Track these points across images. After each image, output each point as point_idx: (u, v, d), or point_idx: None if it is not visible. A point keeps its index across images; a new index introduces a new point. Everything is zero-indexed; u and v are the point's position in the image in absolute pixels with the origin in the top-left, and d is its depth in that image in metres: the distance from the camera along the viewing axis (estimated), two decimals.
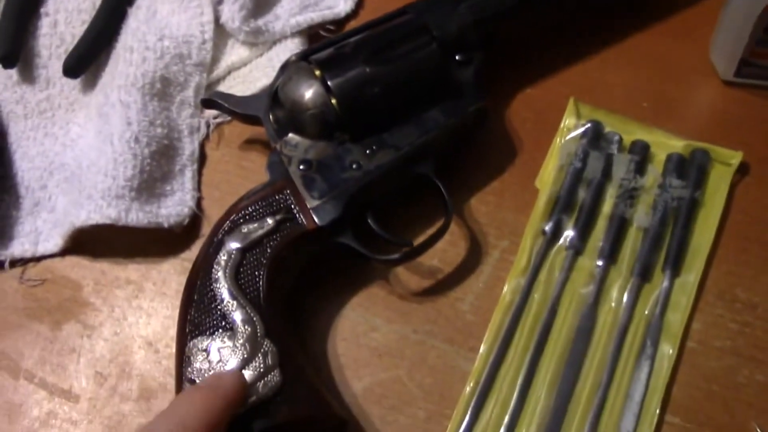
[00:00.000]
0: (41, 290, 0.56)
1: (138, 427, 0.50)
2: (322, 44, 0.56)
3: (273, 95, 0.55)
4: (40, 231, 0.57)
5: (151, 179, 0.56)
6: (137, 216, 0.54)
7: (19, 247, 0.57)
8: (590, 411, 0.49)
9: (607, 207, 0.56)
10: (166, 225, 0.55)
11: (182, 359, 0.47)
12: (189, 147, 0.59)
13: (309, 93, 0.52)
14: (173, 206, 0.56)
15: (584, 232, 0.55)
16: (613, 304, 0.53)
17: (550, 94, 0.61)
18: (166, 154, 0.58)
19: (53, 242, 0.57)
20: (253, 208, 0.51)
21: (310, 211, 0.51)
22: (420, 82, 0.54)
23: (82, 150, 0.58)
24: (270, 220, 0.50)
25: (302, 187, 0.51)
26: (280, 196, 0.51)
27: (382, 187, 0.53)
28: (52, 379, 0.53)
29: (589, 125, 0.58)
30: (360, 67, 0.53)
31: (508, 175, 0.58)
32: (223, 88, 0.62)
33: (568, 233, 0.55)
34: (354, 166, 0.52)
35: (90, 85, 0.61)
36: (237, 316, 0.47)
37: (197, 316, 0.47)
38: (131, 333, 0.54)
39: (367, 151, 0.52)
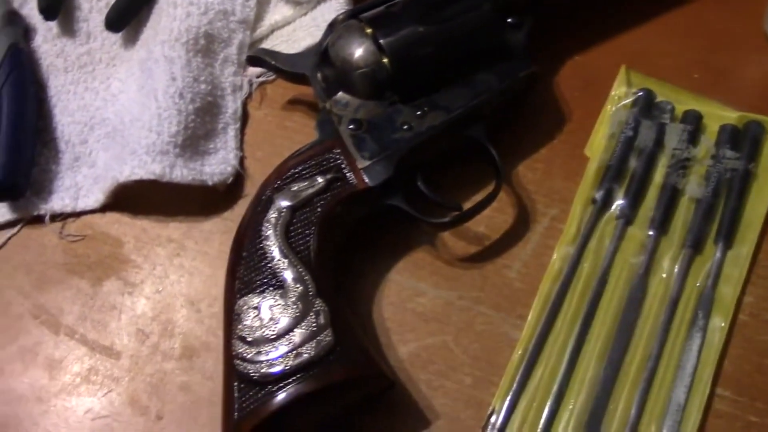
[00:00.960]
0: (81, 246, 0.56)
1: None
2: (370, 3, 0.55)
3: (321, 53, 0.54)
4: (80, 186, 0.56)
5: (195, 136, 0.55)
6: (182, 172, 0.53)
7: (59, 202, 0.56)
8: (640, 382, 0.49)
9: (658, 177, 0.54)
10: (210, 183, 0.54)
11: (231, 316, 0.46)
12: (232, 105, 0.58)
13: (360, 51, 0.51)
14: (216, 164, 0.55)
15: (635, 201, 0.54)
16: (664, 275, 0.52)
17: (600, 61, 0.60)
18: (210, 112, 0.57)
19: (94, 198, 0.56)
20: (302, 166, 0.50)
21: (361, 171, 0.50)
22: (472, 43, 0.53)
23: (123, 105, 0.57)
24: (320, 179, 0.49)
25: (353, 147, 0.50)
26: (330, 155, 0.50)
27: (432, 149, 0.52)
28: (93, 335, 0.53)
29: (640, 93, 0.56)
30: (412, 26, 0.52)
31: (558, 142, 0.57)
32: (267, 46, 0.61)
33: (619, 202, 0.54)
34: (405, 127, 0.51)
35: (131, 40, 0.60)
36: (288, 275, 0.46)
37: (246, 273, 0.47)
38: (173, 291, 0.54)
39: (418, 113, 0.51)
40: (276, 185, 0.49)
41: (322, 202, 0.49)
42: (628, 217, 0.53)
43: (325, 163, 0.50)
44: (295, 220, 0.48)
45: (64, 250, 0.55)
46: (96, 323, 0.53)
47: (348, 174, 0.49)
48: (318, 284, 0.46)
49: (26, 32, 0.60)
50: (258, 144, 0.58)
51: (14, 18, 0.59)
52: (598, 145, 0.56)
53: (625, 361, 0.50)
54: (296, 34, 0.61)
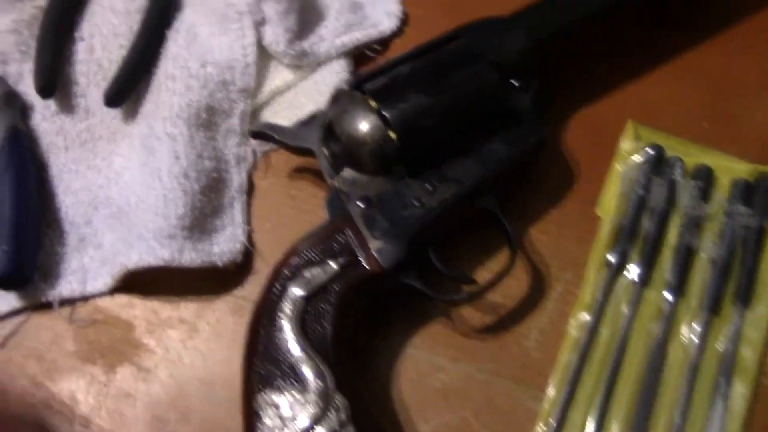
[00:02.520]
0: (92, 331, 0.55)
1: None
2: (373, 72, 0.54)
3: (326, 127, 0.53)
4: (87, 269, 0.55)
5: (202, 215, 0.54)
6: (191, 256, 0.53)
7: (67, 287, 0.55)
8: None
9: (672, 236, 0.54)
10: (219, 263, 0.54)
11: (250, 412, 0.45)
12: (237, 178, 0.57)
13: (365, 126, 0.51)
14: (225, 242, 0.55)
15: (650, 263, 0.53)
16: (683, 340, 0.51)
17: (607, 113, 0.59)
18: (215, 188, 0.56)
19: (102, 281, 0.55)
20: (314, 251, 0.49)
21: (374, 252, 0.49)
22: (479, 110, 0.52)
23: (127, 184, 0.56)
24: (333, 264, 0.48)
25: (363, 226, 0.50)
26: (341, 236, 0.49)
27: (444, 223, 0.51)
28: (108, 425, 0.52)
29: (650, 150, 0.56)
30: (417, 97, 0.51)
31: (568, 202, 0.57)
32: (269, 113, 0.60)
33: (633, 265, 0.53)
34: (416, 203, 0.50)
35: (131, 114, 0.59)
36: (306, 369, 0.45)
37: (263, 367, 0.46)
38: (188, 375, 0.53)
39: (428, 187, 0.51)
40: (289, 273, 0.48)
41: (336, 288, 0.48)
42: (643, 280, 0.53)
43: (336, 245, 0.49)
44: (309, 309, 0.47)
45: (74, 336, 0.55)
46: (112, 412, 0.52)
47: (360, 257, 0.49)
48: (337, 377, 0.45)
49: (23, 110, 0.59)
50: (266, 215, 0.58)
51: (12, 99, 0.58)
52: (609, 204, 0.55)
53: (648, 429, 0.49)
54: (298, 99, 0.60)
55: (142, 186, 0.55)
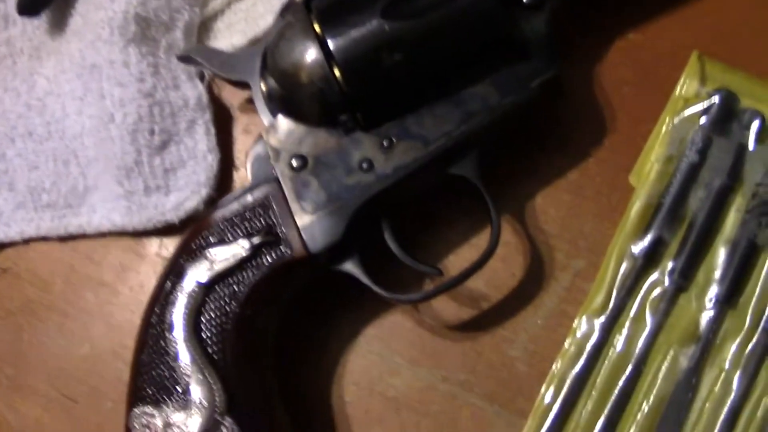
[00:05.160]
0: (3, 284, 0.47)
1: None
2: None
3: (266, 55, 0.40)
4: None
5: (150, 154, 0.44)
6: (145, 216, 0.44)
7: None
8: None
9: (730, 225, 0.39)
10: (176, 221, 0.44)
11: (126, 428, 0.36)
12: (193, 93, 0.46)
13: (302, 60, 0.37)
14: (185, 186, 0.44)
15: (693, 258, 0.39)
16: (724, 371, 0.37)
17: (661, 41, 0.43)
18: (163, 113, 0.44)
19: (16, 228, 0.46)
20: (224, 224, 0.38)
21: (300, 230, 0.37)
22: (465, 41, 0.38)
23: (54, 116, 0.46)
24: (244, 244, 0.37)
25: (291, 195, 0.38)
26: (261, 207, 0.38)
27: (403, 194, 0.39)
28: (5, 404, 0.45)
29: (716, 97, 0.40)
30: (375, 22, 0.37)
31: (592, 165, 0.42)
32: (222, 26, 0.47)
33: (669, 261, 0.39)
34: (364, 165, 0.38)
35: (58, 26, 0.48)
36: (192, 381, 0.35)
37: (146, 372, 0.36)
38: (104, 347, 0.44)
39: (384, 143, 0.38)
40: (191, 252, 0.38)
41: (244, 277, 0.37)
42: (680, 282, 0.39)
43: (253, 218, 0.38)
44: (209, 302, 0.37)
45: None
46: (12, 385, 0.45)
47: (282, 235, 0.37)
48: (231, 395, 0.35)
49: None
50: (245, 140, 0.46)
51: None
52: (649, 171, 0.40)
53: None
54: (256, 10, 0.46)
55: (71, 120, 0.45)
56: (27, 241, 0.47)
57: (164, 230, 0.45)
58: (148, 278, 0.45)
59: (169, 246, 0.45)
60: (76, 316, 0.45)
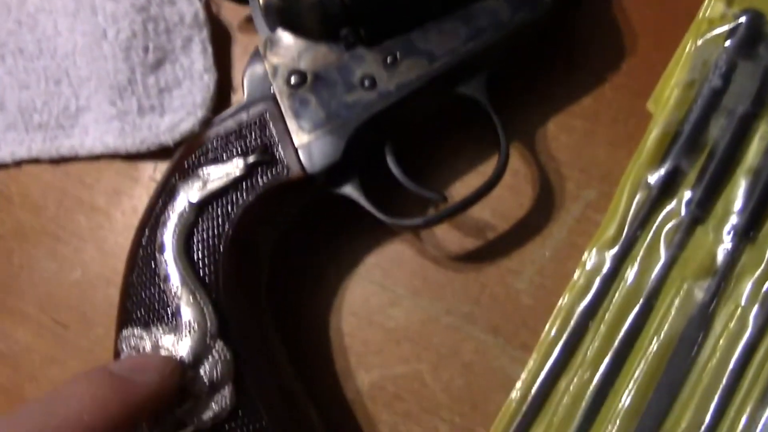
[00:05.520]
0: None
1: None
2: None
3: None
4: None
5: (144, 74, 0.42)
6: (139, 138, 0.42)
7: None
8: None
9: (753, 154, 0.37)
10: (171, 143, 0.42)
11: (115, 350, 0.35)
12: (189, 9, 0.43)
13: None
14: (180, 108, 0.42)
15: (712, 190, 0.37)
16: (740, 307, 0.36)
17: None
18: (158, 29, 0.42)
19: (7, 150, 0.45)
20: (218, 141, 0.36)
21: (297, 150, 0.35)
22: None
23: (45, 34, 0.44)
24: (239, 163, 0.35)
25: (289, 113, 0.36)
26: (257, 125, 0.36)
27: (406, 114, 0.37)
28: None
29: (743, 18, 0.37)
30: None
31: (609, 89, 0.40)
32: None
33: (687, 191, 0.37)
34: (366, 83, 0.35)
35: None
36: (183, 304, 0.34)
37: (136, 294, 0.35)
38: (96, 273, 0.43)
39: (387, 60, 0.35)
40: (184, 170, 0.36)
41: (239, 198, 0.35)
42: (698, 212, 0.37)
43: (248, 137, 0.36)
44: (200, 222, 0.35)
45: None
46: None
47: (278, 155, 0.35)
48: (222, 319, 0.34)
49: None
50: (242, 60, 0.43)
51: None
52: (668, 97, 0.38)
53: (663, 428, 0.35)
54: None
55: (63, 39, 0.43)
56: (18, 164, 0.45)
57: (158, 153, 0.43)
58: (141, 203, 0.43)
59: (163, 170, 0.43)
60: (68, 241, 0.44)
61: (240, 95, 0.42)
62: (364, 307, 0.40)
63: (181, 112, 0.42)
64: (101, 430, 0.29)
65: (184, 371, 0.33)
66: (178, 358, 0.33)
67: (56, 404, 0.29)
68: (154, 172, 0.44)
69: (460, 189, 0.40)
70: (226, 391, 0.33)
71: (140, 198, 0.43)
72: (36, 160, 0.45)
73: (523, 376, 0.37)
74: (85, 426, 0.29)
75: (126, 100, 0.42)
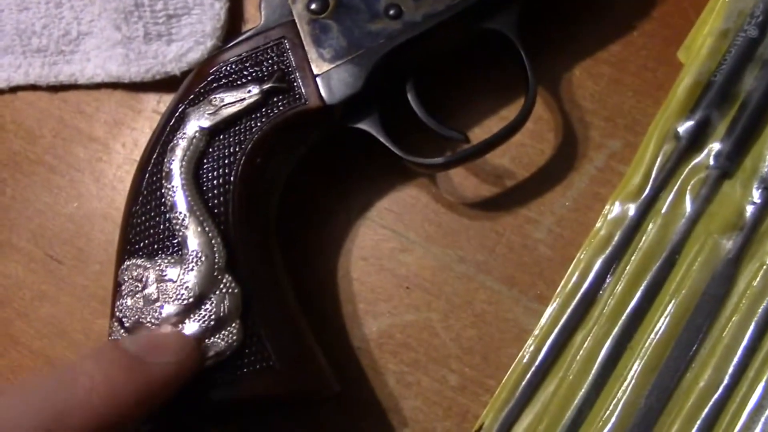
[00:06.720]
0: None
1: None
2: None
3: None
4: None
5: (155, 7, 0.40)
6: (144, 66, 0.40)
7: None
8: (698, 420, 0.33)
9: None
10: (177, 72, 0.40)
11: (114, 283, 0.33)
12: None
13: None
14: (189, 36, 0.40)
15: (742, 142, 0.35)
16: (766, 264, 0.35)
17: None
18: None
19: (3, 75, 0.43)
20: (232, 66, 0.34)
21: (316, 79, 0.33)
22: None
23: None
24: (254, 89, 0.33)
25: (309, 40, 0.34)
26: (274, 52, 0.34)
27: (431, 48, 0.35)
28: None
29: None
30: None
31: (638, 36, 0.38)
32: None
33: (716, 143, 0.36)
34: (391, 11, 0.34)
35: None
36: (190, 234, 0.32)
37: (139, 224, 0.33)
38: (92, 207, 0.41)
39: None
40: (193, 94, 0.34)
41: (252, 125, 0.33)
42: (727, 166, 0.35)
43: (265, 63, 0.34)
44: (211, 150, 0.33)
45: None
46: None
47: (296, 83, 0.34)
48: (231, 252, 0.32)
49: None
50: None
51: None
52: (701, 46, 0.37)
53: (680, 386, 0.34)
54: None
55: None
56: (14, 90, 0.43)
57: (163, 84, 0.41)
58: (143, 135, 0.41)
59: (168, 101, 0.41)
60: (64, 172, 0.42)
61: (252, 26, 0.41)
62: (374, 252, 0.38)
63: (189, 41, 0.40)
64: (110, 417, 0.27)
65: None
66: (184, 293, 0.31)
67: (64, 383, 0.27)
68: (158, 104, 0.42)
69: (480, 134, 0.38)
70: (233, 327, 0.31)
71: (142, 130, 0.41)
72: (33, 87, 0.43)
73: (538, 329, 0.36)
74: (94, 410, 0.26)
75: (132, 24, 0.40)
